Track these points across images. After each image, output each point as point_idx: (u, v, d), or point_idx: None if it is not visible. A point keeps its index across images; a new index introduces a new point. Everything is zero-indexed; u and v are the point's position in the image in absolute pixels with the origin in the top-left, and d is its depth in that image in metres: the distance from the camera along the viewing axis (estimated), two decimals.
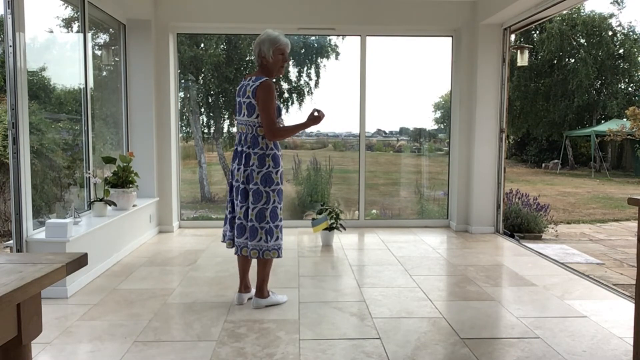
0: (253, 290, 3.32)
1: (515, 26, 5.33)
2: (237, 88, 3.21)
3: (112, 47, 5.38)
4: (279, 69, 3.20)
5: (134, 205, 4.80)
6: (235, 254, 3.24)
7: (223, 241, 3.33)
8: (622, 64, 20.39)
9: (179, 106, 6.02)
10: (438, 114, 8.39)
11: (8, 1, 3.21)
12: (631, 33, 20.39)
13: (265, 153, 3.08)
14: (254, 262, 3.33)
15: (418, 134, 7.20)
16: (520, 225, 6.45)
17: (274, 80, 3.25)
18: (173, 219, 5.74)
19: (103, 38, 5.36)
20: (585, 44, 20.23)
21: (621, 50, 20.35)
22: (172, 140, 5.68)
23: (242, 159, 3.11)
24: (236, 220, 3.18)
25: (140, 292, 3.54)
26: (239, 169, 3.13)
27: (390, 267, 4.23)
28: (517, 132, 22.17)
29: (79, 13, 4.40)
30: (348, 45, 6.57)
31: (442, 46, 6.01)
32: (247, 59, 7.18)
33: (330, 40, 6.90)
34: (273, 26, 5.68)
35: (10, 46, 3.23)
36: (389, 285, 3.71)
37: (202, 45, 6.86)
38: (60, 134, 4.79)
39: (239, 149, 3.15)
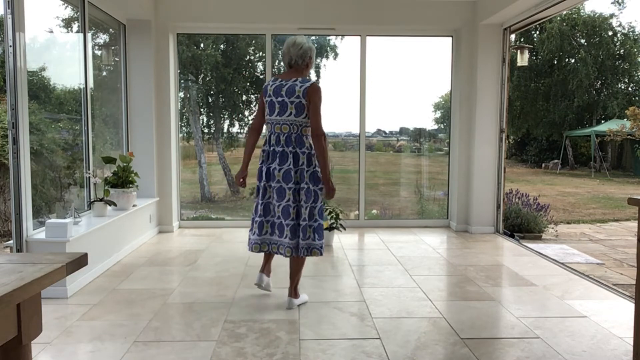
0: (270, 282, 3.46)
1: (515, 26, 5.33)
2: (269, 87, 3.18)
3: (112, 47, 5.38)
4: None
5: (134, 205, 4.80)
6: (267, 252, 3.25)
7: (251, 250, 3.24)
8: (622, 64, 20.38)
9: (179, 106, 6.02)
10: (438, 114, 8.39)
11: (8, 1, 3.21)
12: (631, 33, 20.39)
13: (311, 152, 3.14)
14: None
15: (418, 134, 7.20)
16: (520, 225, 6.45)
17: None
18: (173, 219, 5.74)
19: (103, 38, 5.36)
20: (585, 44, 20.23)
21: (621, 51, 20.34)
22: (172, 140, 5.68)
23: (285, 158, 3.10)
24: (284, 222, 3.11)
25: (140, 292, 3.54)
26: (280, 169, 3.10)
27: (390, 267, 4.23)
28: (517, 132, 22.17)
29: (79, 13, 4.40)
30: (348, 45, 6.57)
31: (442, 46, 6.01)
32: (247, 58, 7.17)
33: (330, 40, 6.90)
34: (273, 26, 5.73)
35: (10, 46, 3.23)
36: (389, 285, 3.71)
37: (202, 45, 6.86)
38: (60, 134, 4.79)
39: (278, 149, 3.12)
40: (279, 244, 3.17)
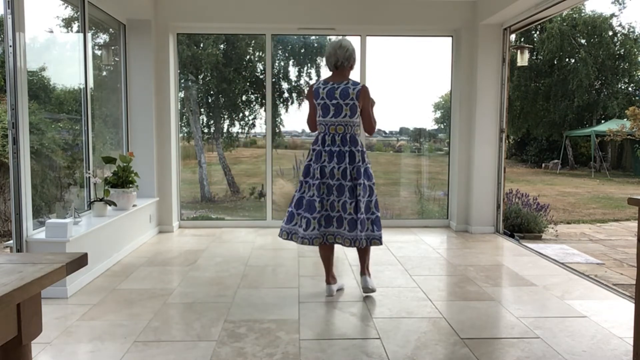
0: (340, 282, 3.63)
1: (515, 26, 5.33)
2: (321, 90, 3.33)
3: (112, 47, 5.38)
4: None
5: (134, 205, 4.80)
6: (324, 244, 3.39)
7: (311, 243, 3.33)
8: (622, 64, 20.38)
9: (179, 106, 6.02)
10: (438, 114, 8.39)
11: (8, 1, 3.21)
12: (631, 33, 20.38)
13: (363, 150, 3.37)
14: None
15: (418, 134, 7.20)
16: (520, 225, 6.45)
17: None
18: (173, 219, 5.74)
19: (103, 38, 5.36)
20: (586, 44, 20.23)
21: (621, 51, 20.34)
22: (172, 140, 5.68)
23: (343, 157, 3.28)
24: (344, 215, 3.29)
25: (140, 292, 3.54)
26: (338, 168, 3.28)
27: (390, 267, 4.23)
28: (517, 132, 22.17)
29: (79, 13, 4.40)
30: None
31: (442, 46, 6.01)
32: (247, 58, 7.17)
33: (330, 40, 6.90)
34: (273, 26, 5.73)
35: (10, 46, 3.23)
36: (389, 285, 3.71)
37: (202, 45, 6.86)
38: (60, 134, 4.80)
39: (334, 148, 3.30)
40: (337, 235, 3.35)
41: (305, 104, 7.14)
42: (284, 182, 6.73)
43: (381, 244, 3.34)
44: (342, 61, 3.34)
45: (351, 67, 3.42)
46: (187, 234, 5.62)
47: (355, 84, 3.33)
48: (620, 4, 20.35)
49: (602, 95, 20.76)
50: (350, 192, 3.27)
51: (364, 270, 3.44)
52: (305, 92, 3.51)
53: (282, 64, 7.05)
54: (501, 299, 3.41)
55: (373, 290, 3.43)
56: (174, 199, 5.75)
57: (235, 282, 3.77)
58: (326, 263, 3.53)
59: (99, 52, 5.27)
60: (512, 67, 12.79)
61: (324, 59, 3.45)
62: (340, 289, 3.60)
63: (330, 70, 3.41)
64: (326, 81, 3.36)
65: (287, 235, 3.43)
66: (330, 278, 3.52)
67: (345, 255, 4.62)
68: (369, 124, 3.41)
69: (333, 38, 6.76)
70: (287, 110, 7.30)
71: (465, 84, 5.73)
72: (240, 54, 7.13)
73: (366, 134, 3.49)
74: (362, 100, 3.32)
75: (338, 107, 3.29)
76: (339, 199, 3.29)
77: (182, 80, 6.40)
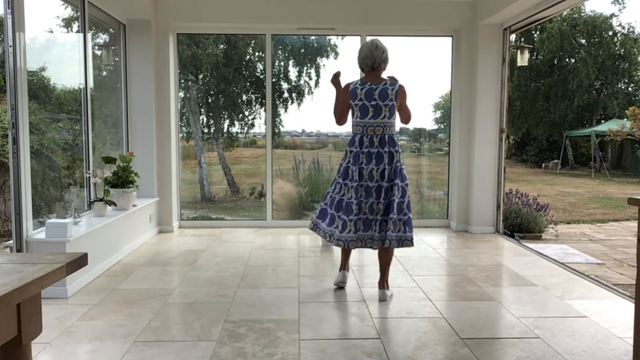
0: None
1: (515, 26, 5.33)
2: (359, 91, 3.34)
3: (112, 47, 5.38)
4: None
5: (134, 205, 4.80)
6: (348, 247, 3.35)
7: (346, 247, 3.33)
8: (622, 64, 20.38)
9: (179, 106, 6.02)
10: (438, 114, 8.39)
11: (8, 1, 3.21)
12: (631, 33, 20.38)
13: (400, 151, 3.39)
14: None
15: (418, 134, 7.20)
16: (520, 225, 6.45)
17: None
18: (173, 219, 5.74)
19: (103, 38, 5.36)
20: (586, 44, 20.23)
21: (621, 51, 20.34)
22: (172, 140, 5.68)
23: (382, 158, 3.30)
24: (384, 217, 3.29)
25: (140, 292, 3.54)
26: (377, 169, 3.29)
27: (390, 267, 4.23)
28: (517, 132, 22.16)
29: (79, 13, 4.40)
30: (348, 45, 6.57)
31: (442, 46, 6.01)
32: (247, 58, 7.17)
33: (330, 40, 6.90)
34: (273, 26, 5.73)
35: (10, 46, 3.23)
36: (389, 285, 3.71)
37: (201, 45, 6.86)
38: (60, 134, 4.80)
39: (372, 150, 3.32)
40: (367, 238, 3.33)
41: (306, 104, 7.09)
42: (283, 183, 6.73)
43: (412, 245, 3.32)
44: (379, 62, 3.37)
45: (385, 68, 3.46)
46: (187, 234, 5.62)
47: (392, 84, 3.37)
48: (620, 4, 20.36)
49: (602, 95, 20.75)
50: (385, 193, 3.28)
51: (383, 283, 3.40)
52: (335, 84, 3.53)
53: (282, 64, 7.05)
54: (501, 299, 3.41)
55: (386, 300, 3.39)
56: (174, 199, 5.75)
57: (235, 282, 3.77)
58: (344, 256, 3.65)
59: (99, 52, 5.27)
60: (512, 67, 12.79)
61: (357, 58, 3.44)
62: (343, 286, 3.63)
63: (365, 71, 3.43)
64: (363, 82, 3.37)
65: (330, 237, 3.42)
66: (346, 266, 3.62)
67: None
68: (406, 117, 3.49)
69: (333, 38, 6.77)
70: (286, 110, 7.30)
71: (465, 84, 5.73)
72: (240, 54, 7.13)
73: (402, 123, 3.55)
74: (400, 99, 3.39)
75: (377, 109, 3.32)
76: (377, 200, 3.29)
77: (182, 80, 6.40)
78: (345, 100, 3.40)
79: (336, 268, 4.20)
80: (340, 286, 3.63)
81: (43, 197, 4.33)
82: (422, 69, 6.46)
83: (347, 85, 3.42)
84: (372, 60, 3.36)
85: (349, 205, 3.29)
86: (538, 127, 21.15)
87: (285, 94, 7.25)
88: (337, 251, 4.80)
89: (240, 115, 7.46)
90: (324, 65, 7.05)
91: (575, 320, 3.02)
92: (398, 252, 4.72)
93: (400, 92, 3.38)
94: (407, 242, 3.29)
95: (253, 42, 7.06)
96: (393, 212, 3.25)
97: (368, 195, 3.30)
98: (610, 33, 20.24)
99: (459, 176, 5.84)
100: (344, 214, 3.30)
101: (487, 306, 3.28)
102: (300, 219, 6.20)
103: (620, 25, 20.55)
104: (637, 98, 20.38)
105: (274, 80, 6.57)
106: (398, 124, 3.54)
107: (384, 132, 3.33)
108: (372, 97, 3.31)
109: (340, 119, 3.52)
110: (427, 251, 4.80)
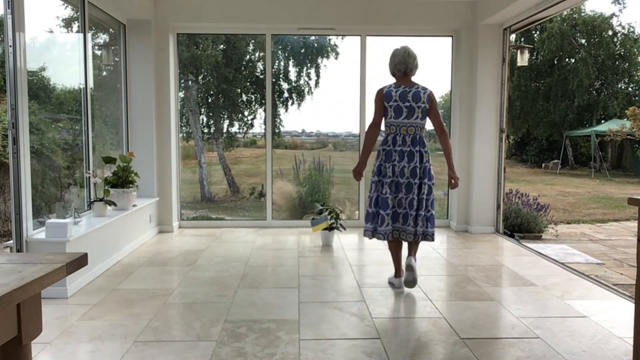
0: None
1: (515, 26, 5.33)
2: (393, 93, 3.55)
3: (112, 47, 5.38)
4: None
5: (134, 205, 4.80)
6: (394, 240, 3.60)
7: (385, 239, 3.55)
8: (622, 64, 20.38)
9: (179, 106, 6.02)
10: None
11: (8, 1, 3.21)
12: (631, 33, 20.38)
13: (428, 151, 3.60)
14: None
15: None
16: (520, 225, 6.45)
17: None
18: (173, 219, 5.74)
19: (103, 38, 5.36)
20: (586, 44, 20.22)
21: (621, 51, 20.34)
22: (172, 140, 5.68)
23: (412, 157, 3.53)
24: (409, 212, 3.53)
25: (140, 292, 3.54)
26: (408, 167, 3.52)
27: (390, 267, 4.22)
28: (517, 132, 22.16)
29: (79, 13, 4.40)
30: (348, 45, 6.56)
31: (442, 46, 6.01)
32: (247, 58, 7.17)
33: (330, 40, 6.90)
34: (273, 26, 5.73)
35: (10, 46, 3.23)
36: (389, 285, 3.71)
37: (201, 45, 6.86)
38: (60, 134, 4.79)
39: (405, 148, 3.54)
40: (401, 231, 3.57)
41: (306, 104, 7.10)
42: (283, 182, 6.73)
43: (433, 240, 3.58)
44: (411, 68, 3.62)
45: (415, 74, 3.69)
46: (187, 234, 5.62)
47: (424, 88, 3.60)
48: (620, 4, 20.36)
49: (602, 95, 20.75)
50: (417, 190, 3.51)
51: (412, 253, 3.62)
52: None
53: (282, 64, 7.06)
54: (501, 299, 3.41)
55: (413, 269, 3.51)
56: (174, 199, 5.75)
57: (235, 282, 3.77)
58: (396, 257, 3.71)
59: (99, 52, 5.27)
60: (512, 67, 12.79)
61: (390, 63, 3.68)
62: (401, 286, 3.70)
63: (397, 76, 3.64)
64: (397, 85, 3.60)
65: (372, 234, 3.61)
66: (401, 272, 3.69)
67: (346, 256, 4.62)
68: (439, 122, 3.65)
69: (333, 38, 6.77)
70: (286, 110, 7.30)
71: (465, 84, 5.73)
72: (240, 54, 7.13)
73: (438, 135, 3.69)
74: (431, 103, 3.60)
75: (411, 110, 3.54)
76: (406, 196, 3.53)
77: (182, 80, 6.40)
78: (382, 104, 3.60)
79: (336, 268, 4.21)
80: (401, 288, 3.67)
81: (43, 197, 4.33)
82: (422, 69, 6.44)
83: (381, 90, 3.62)
84: (405, 67, 3.61)
85: (385, 200, 3.53)
86: (538, 127, 21.15)
87: (285, 94, 7.26)
88: (337, 251, 4.80)
89: (240, 115, 7.46)
90: (324, 65, 7.06)
91: (575, 320, 3.02)
92: None
93: (432, 97, 3.60)
94: (429, 236, 3.55)
95: (253, 42, 7.06)
96: (421, 209, 3.51)
97: (398, 190, 3.54)
98: (610, 33, 20.23)
99: (459, 176, 5.82)
100: (381, 208, 3.54)
101: (487, 306, 3.28)
102: (300, 218, 6.20)
103: (620, 25, 20.56)
104: (637, 98, 20.38)
105: (273, 80, 6.57)
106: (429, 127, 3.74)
107: (415, 132, 3.55)
108: (405, 98, 3.54)
109: (377, 118, 3.67)
110: (427, 251, 4.80)
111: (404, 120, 3.55)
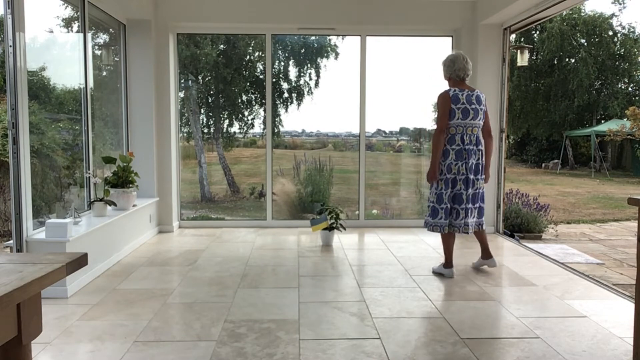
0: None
1: (515, 26, 5.33)
2: (460, 96, 3.82)
3: (112, 47, 5.38)
4: None
5: (134, 205, 4.80)
6: (454, 232, 3.93)
7: (442, 231, 3.88)
8: (622, 64, 20.37)
9: (179, 106, 6.02)
10: None
11: (8, 1, 3.21)
12: (631, 33, 20.38)
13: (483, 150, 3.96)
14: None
15: (418, 134, 7.20)
16: (520, 225, 6.45)
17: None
18: (173, 219, 5.74)
19: (103, 38, 5.36)
20: (586, 43, 20.22)
21: (621, 51, 20.33)
22: (172, 140, 5.68)
23: (475, 155, 3.87)
24: (474, 206, 3.90)
25: (140, 292, 3.54)
26: (473, 164, 3.85)
27: (390, 267, 4.23)
28: (517, 132, 22.16)
29: (79, 13, 4.40)
30: (348, 45, 6.57)
31: (442, 46, 6.01)
32: (247, 58, 7.17)
33: (330, 40, 6.90)
34: (273, 26, 5.73)
35: (10, 46, 3.23)
36: (389, 285, 3.71)
37: (200, 45, 6.85)
38: (60, 134, 4.79)
39: (470, 147, 3.84)
40: (464, 224, 3.87)
41: (306, 104, 7.11)
42: (284, 182, 6.73)
43: (484, 229, 4.03)
44: (468, 73, 3.95)
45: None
46: (187, 234, 5.62)
47: (480, 92, 3.94)
48: (620, 4, 20.35)
49: (602, 95, 20.75)
50: (473, 184, 3.86)
51: (489, 253, 4.06)
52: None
53: (282, 64, 7.05)
54: (501, 299, 3.41)
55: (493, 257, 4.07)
56: (174, 199, 5.75)
57: (235, 282, 3.77)
58: (449, 249, 3.97)
59: (99, 52, 5.27)
60: (512, 67, 12.79)
61: (448, 68, 3.98)
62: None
63: (454, 80, 3.94)
64: (461, 89, 3.88)
65: (447, 228, 3.89)
66: (452, 263, 3.98)
67: (346, 256, 4.62)
68: (489, 128, 4.01)
69: (333, 38, 6.77)
70: (286, 110, 7.30)
71: None
72: (240, 54, 7.13)
73: (486, 136, 4.00)
74: (486, 106, 3.96)
75: (476, 111, 3.86)
76: (466, 191, 3.84)
77: (182, 80, 6.40)
78: (449, 107, 3.82)
79: (336, 268, 4.21)
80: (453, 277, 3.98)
81: (43, 197, 4.33)
82: (422, 69, 6.46)
83: (447, 93, 3.85)
84: (464, 72, 3.93)
85: (460, 195, 3.83)
86: (538, 127, 21.15)
87: (285, 94, 7.25)
88: (337, 251, 4.80)
89: (240, 115, 7.46)
90: (324, 65, 7.05)
91: (575, 320, 3.02)
92: (398, 252, 4.72)
93: (485, 100, 3.96)
94: (481, 225, 3.99)
95: (253, 42, 7.06)
96: (477, 202, 3.92)
97: (467, 186, 3.84)
98: (610, 33, 20.23)
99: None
100: (457, 204, 3.85)
101: (487, 306, 3.28)
102: (300, 218, 6.20)
103: (620, 25, 20.57)
104: (637, 98, 20.37)
105: (273, 80, 6.57)
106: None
107: (477, 132, 3.88)
108: (471, 101, 3.84)
109: (445, 122, 3.87)
110: (427, 251, 4.80)
111: (471, 122, 3.84)
